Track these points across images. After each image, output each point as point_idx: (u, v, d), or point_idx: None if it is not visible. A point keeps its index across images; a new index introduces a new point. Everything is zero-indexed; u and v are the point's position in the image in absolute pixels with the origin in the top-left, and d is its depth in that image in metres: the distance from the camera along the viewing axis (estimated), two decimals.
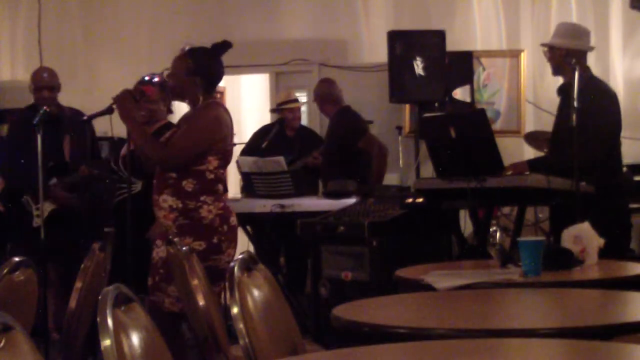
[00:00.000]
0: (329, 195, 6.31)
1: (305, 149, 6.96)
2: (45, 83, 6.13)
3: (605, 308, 2.92)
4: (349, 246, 5.42)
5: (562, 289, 3.20)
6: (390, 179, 7.25)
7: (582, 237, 3.62)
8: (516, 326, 2.57)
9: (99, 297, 1.94)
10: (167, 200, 4.35)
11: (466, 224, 5.98)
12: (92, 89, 8.17)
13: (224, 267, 4.15)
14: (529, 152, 7.00)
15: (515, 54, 7.63)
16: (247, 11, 8.26)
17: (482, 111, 5.82)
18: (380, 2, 8.08)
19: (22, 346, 1.77)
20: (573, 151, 4.56)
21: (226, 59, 4.54)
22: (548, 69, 5.52)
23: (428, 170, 6.43)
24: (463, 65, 7.34)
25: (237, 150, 6.94)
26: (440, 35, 6.99)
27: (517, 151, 7.13)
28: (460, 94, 7.32)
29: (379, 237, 5.27)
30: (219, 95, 9.47)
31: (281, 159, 6.39)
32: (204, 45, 4.52)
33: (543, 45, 5.31)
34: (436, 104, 6.98)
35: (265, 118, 8.23)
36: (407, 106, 7.64)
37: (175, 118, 5.71)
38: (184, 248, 3.51)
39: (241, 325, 2.42)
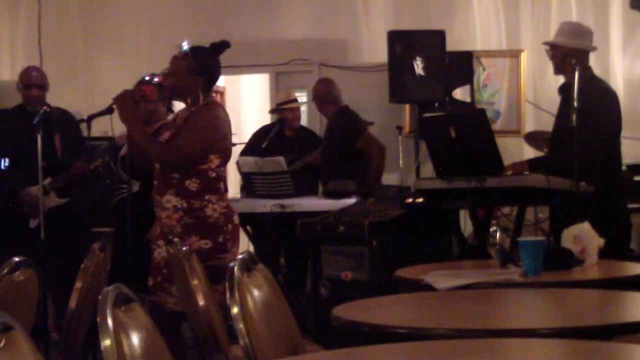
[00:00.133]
0: (329, 195, 6.31)
1: (305, 149, 6.96)
2: (34, 81, 6.11)
3: (605, 308, 2.92)
4: (349, 246, 5.42)
5: (562, 289, 3.20)
6: (390, 179, 7.25)
7: (582, 237, 3.62)
8: (516, 326, 2.57)
9: (99, 297, 1.94)
10: (170, 200, 4.35)
11: (466, 224, 5.98)
12: (92, 89, 8.18)
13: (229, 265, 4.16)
14: (529, 152, 7.00)
15: (515, 54, 7.63)
16: (247, 11, 8.26)
17: (482, 111, 5.82)
18: (380, 2, 8.08)
19: (22, 346, 1.77)
20: (573, 151, 4.56)
21: (226, 59, 4.54)
22: (548, 69, 5.53)
23: (428, 170, 6.43)
24: (463, 65, 7.34)
25: (237, 150, 6.95)
26: (440, 35, 7.00)
27: (517, 151, 7.13)
28: (460, 94, 7.32)
29: (379, 237, 5.27)
30: (218, 95, 9.48)
31: (281, 159, 6.39)
32: (203, 45, 4.52)
33: (545, 43, 5.31)
34: (436, 104, 6.98)
35: (265, 118, 8.23)
36: (407, 106, 7.64)
37: None
38: (184, 248, 3.51)
39: (241, 325, 2.42)
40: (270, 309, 2.70)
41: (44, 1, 8.32)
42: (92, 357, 3.92)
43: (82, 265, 3.55)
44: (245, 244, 6.43)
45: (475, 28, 7.83)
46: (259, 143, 7.06)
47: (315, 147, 6.96)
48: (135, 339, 1.96)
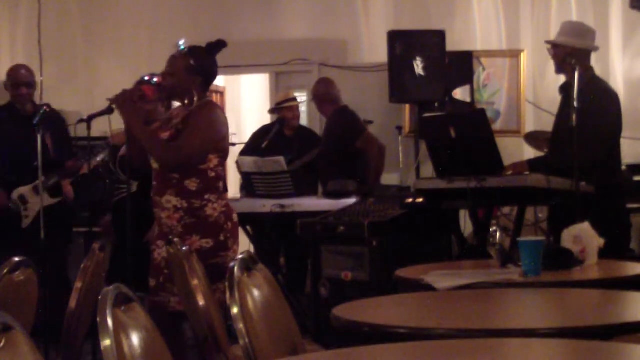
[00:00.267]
0: (329, 195, 6.31)
1: (305, 148, 6.96)
2: (23, 79, 6.09)
3: (605, 308, 2.92)
4: (349, 246, 5.42)
5: (562, 289, 3.20)
6: (390, 179, 7.25)
7: (582, 237, 3.62)
8: (516, 326, 2.57)
9: (99, 297, 1.94)
10: (170, 200, 4.35)
11: (466, 224, 5.98)
12: (92, 89, 8.18)
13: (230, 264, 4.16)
14: (529, 152, 7.00)
15: (515, 54, 7.63)
16: (247, 11, 8.26)
17: (482, 111, 5.82)
18: (380, 2, 8.07)
19: (22, 346, 1.77)
20: (573, 151, 4.56)
21: (226, 59, 4.54)
22: (548, 69, 5.53)
23: (428, 170, 6.43)
24: (463, 65, 7.34)
25: (237, 150, 6.95)
26: (440, 35, 7.00)
27: (517, 151, 7.13)
28: (460, 94, 7.32)
29: (379, 237, 5.27)
30: (218, 95, 9.48)
31: (281, 159, 6.39)
32: (200, 45, 4.52)
33: (547, 42, 5.30)
34: (436, 104, 6.98)
35: (265, 118, 8.23)
36: (407, 106, 7.64)
37: None
38: (184, 248, 3.51)
39: (241, 325, 2.42)
40: (270, 309, 2.70)
41: (44, 1, 8.32)
42: (92, 357, 3.93)
43: (82, 265, 3.55)
44: (245, 244, 6.43)
45: (475, 28, 7.83)
46: (259, 143, 7.06)
47: (315, 146, 6.96)
48: (135, 339, 1.96)
